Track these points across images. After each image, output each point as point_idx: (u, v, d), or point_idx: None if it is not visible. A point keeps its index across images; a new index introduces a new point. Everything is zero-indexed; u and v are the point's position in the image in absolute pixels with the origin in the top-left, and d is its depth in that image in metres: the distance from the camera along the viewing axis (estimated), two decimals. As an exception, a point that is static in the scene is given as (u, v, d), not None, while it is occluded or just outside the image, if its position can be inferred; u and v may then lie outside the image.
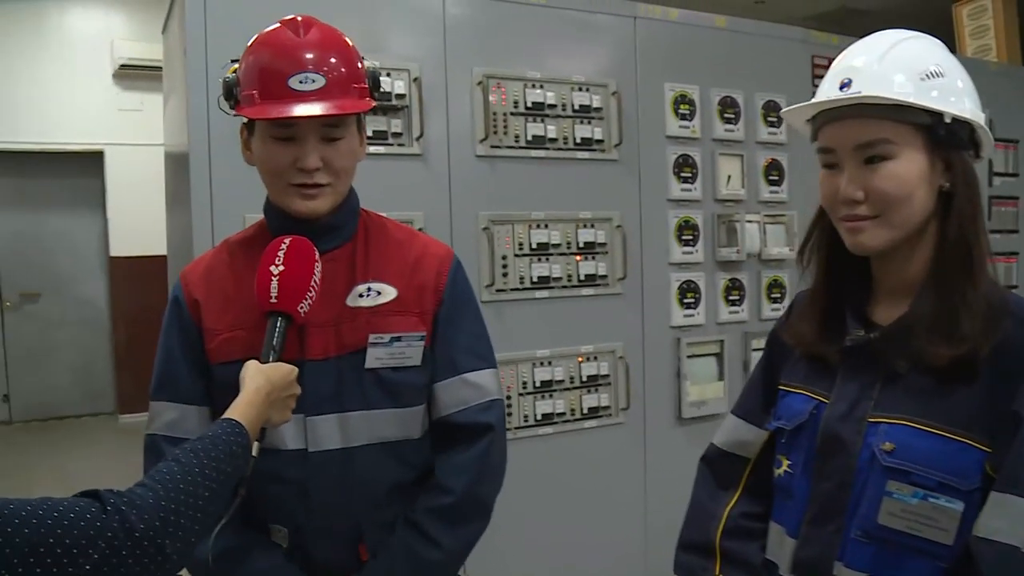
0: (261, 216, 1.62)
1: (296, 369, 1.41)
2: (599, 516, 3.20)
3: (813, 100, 1.28)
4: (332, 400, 1.51)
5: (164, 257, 3.57)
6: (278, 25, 1.50)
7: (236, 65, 1.53)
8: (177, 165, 2.91)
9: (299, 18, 1.50)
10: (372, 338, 1.51)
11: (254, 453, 1.31)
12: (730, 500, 1.47)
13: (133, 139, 7.59)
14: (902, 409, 1.21)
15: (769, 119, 3.54)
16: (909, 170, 1.20)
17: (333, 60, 1.47)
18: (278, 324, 1.42)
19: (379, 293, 1.54)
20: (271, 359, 1.40)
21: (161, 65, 3.55)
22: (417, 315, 1.56)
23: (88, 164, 7.87)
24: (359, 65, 1.52)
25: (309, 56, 1.45)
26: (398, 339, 1.52)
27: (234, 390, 1.37)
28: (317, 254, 1.47)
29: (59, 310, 8.17)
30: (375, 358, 1.52)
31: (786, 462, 1.36)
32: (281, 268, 1.43)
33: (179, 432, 1.52)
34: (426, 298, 1.57)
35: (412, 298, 1.56)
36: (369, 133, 2.68)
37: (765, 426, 1.44)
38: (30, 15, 7.55)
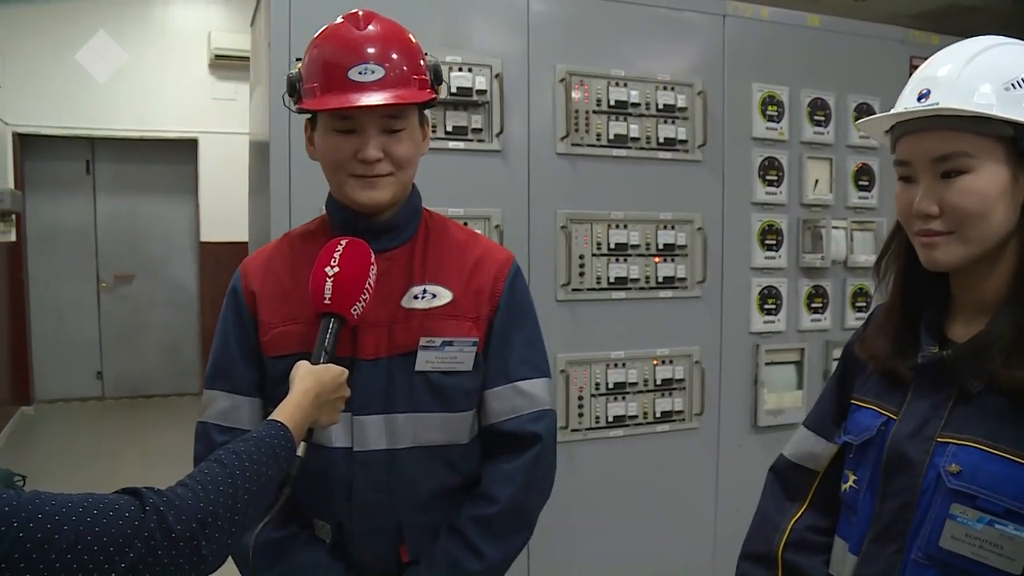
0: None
1: (346, 371, 1.41)
2: (667, 522, 3.15)
3: (890, 112, 1.23)
4: (380, 400, 1.50)
5: (247, 244, 3.64)
6: (340, 20, 1.51)
7: (300, 62, 1.54)
8: (259, 154, 2.96)
9: (360, 12, 1.50)
10: (423, 341, 1.51)
11: (300, 454, 1.32)
12: (796, 512, 1.44)
13: (226, 127, 7.78)
14: (973, 431, 1.16)
15: (861, 122, 3.41)
16: (989, 184, 1.13)
17: (392, 52, 1.46)
18: (331, 325, 1.42)
19: (434, 296, 1.53)
20: (322, 360, 1.40)
21: (253, 56, 3.61)
22: (471, 320, 1.54)
23: (183, 151, 8.11)
24: (420, 57, 1.51)
25: (368, 48, 1.45)
26: (449, 343, 1.51)
27: (287, 384, 1.38)
28: (373, 256, 1.47)
29: (151, 292, 8.45)
30: (425, 361, 1.51)
31: (852, 477, 1.32)
32: (336, 269, 1.42)
33: (230, 422, 1.54)
34: (482, 303, 1.56)
35: (468, 303, 1.55)
36: (449, 128, 2.71)
37: (834, 440, 1.41)
38: (136, 7, 7.82)
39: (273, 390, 1.51)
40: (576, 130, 2.91)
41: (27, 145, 7.73)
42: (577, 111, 2.91)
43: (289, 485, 1.30)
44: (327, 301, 1.41)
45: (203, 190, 8.10)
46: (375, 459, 1.51)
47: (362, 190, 1.48)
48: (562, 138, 2.89)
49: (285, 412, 1.30)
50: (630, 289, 3.02)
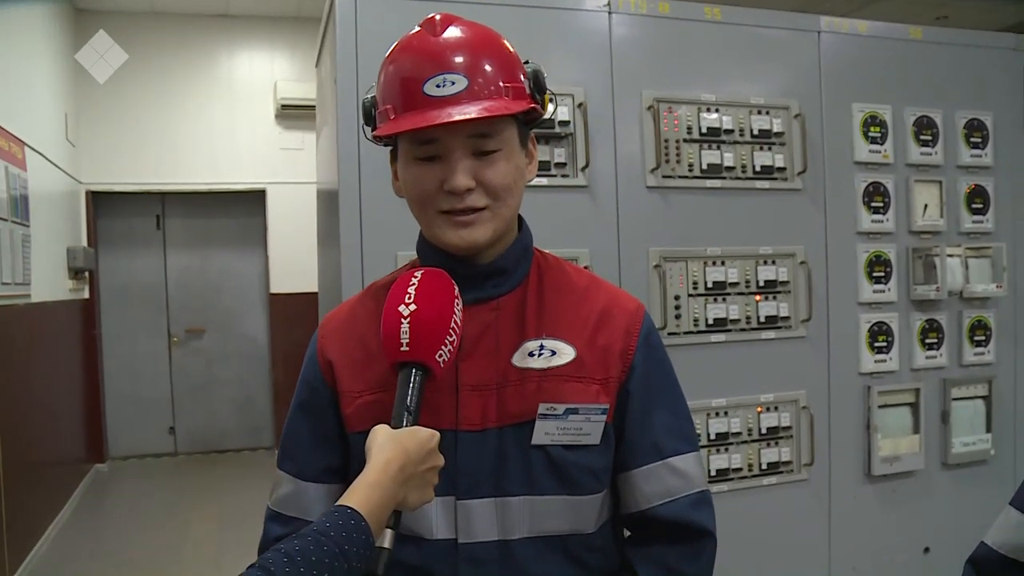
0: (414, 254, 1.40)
1: (437, 434, 1.14)
2: (779, 584, 2.88)
3: None
4: (490, 481, 1.24)
5: (317, 294, 3.51)
6: (416, 28, 1.26)
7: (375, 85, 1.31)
8: (328, 202, 2.82)
9: (437, 16, 1.24)
10: (543, 408, 1.23)
11: (387, 544, 1.05)
12: None
13: (293, 177, 7.75)
14: None
15: (972, 140, 3.15)
16: None
17: (477, 58, 1.20)
18: (413, 378, 1.15)
19: (553, 353, 1.26)
20: (405, 422, 1.12)
21: (319, 103, 3.50)
22: (599, 383, 1.26)
23: (251, 203, 8.08)
24: (514, 63, 1.24)
25: (447, 56, 1.19)
26: (574, 411, 1.24)
27: None
28: (457, 289, 1.21)
29: (222, 345, 8.38)
30: (544, 432, 1.23)
31: None
32: (413, 307, 1.15)
33: (292, 510, 1.31)
34: (611, 364, 1.28)
35: (594, 362, 1.27)
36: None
37: None
38: (203, 61, 7.87)
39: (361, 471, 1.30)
40: (666, 161, 2.70)
41: (99, 202, 7.79)
42: (667, 140, 2.70)
43: None
44: (404, 348, 1.14)
45: (272, 241, 8.03)
46: (486, 553, 1.24)
47: (454, 229, 1.22)
48: (652, 170, 2.69)
49: (359, 493, 1.03)
50: (730, 331, 2.78)
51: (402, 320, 1.15)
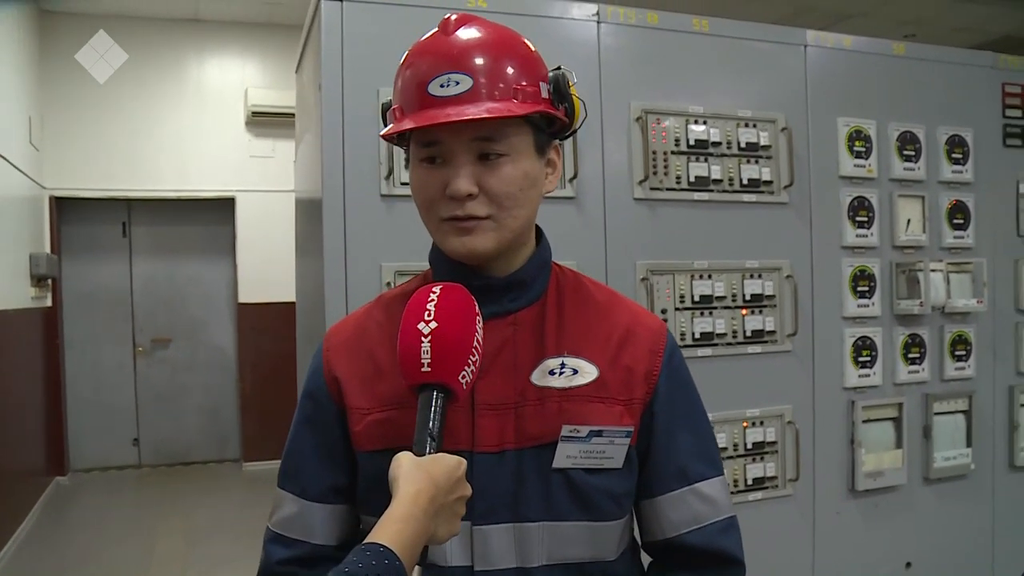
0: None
1: (464, 462, 1.06)
2: (764, 601, 2.84)
3: None
4: (507, 506, 1.18)
5: (290, 304, 3.44)
6: (434, 29, 1.21)
7: None
8: (309, 210, 2.75)
9: (452, 16, 1.18)
10: (566, 430, 1.17)
11: None
12: None
13: (263, 185, 7.65)
14: None
15: (953, 156, 3.15)
16: None
17: (484, 57, 1.14)
18: (435, 401, 1.07)
19: (575, 372, 1.20)
20: (429, 448, 1.05)
21: (292, 111, 3.43)
22: (622, 404, 1.20)
23: (220, 210, 7.94)
24: (529, 65, 1.18)
25: (453, 55, 1.14)
26: (598, 434, 1.18)
27: (385, 486, 1.05)
28: (477, 306, 1.14)
29: (189, 355, 8.22)
30: (566, 455, 1.17)
31: None
32: (434, 325, 1.07)
33: (296, 532, 1.25)
34: (634, 384, 1.22)
35: (617, 382, 1.21)
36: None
37: None
38: (172, 67, 7.74)
39: (367, 494, 1.20)
40: (654, 173, 2.67)
41: (63, 208, 7.62)
42: (654, 152, 2.67)
43: None
44: (426, 368, 1.06)
45: (241, 250, 7.90)
46: None
47: (456, 236, 1.16)
48: (640, 182, 2.66)
49: (391, 529, 0.94)
50: (716, 345, 2.76)
51: (422, 339, 1.07)
